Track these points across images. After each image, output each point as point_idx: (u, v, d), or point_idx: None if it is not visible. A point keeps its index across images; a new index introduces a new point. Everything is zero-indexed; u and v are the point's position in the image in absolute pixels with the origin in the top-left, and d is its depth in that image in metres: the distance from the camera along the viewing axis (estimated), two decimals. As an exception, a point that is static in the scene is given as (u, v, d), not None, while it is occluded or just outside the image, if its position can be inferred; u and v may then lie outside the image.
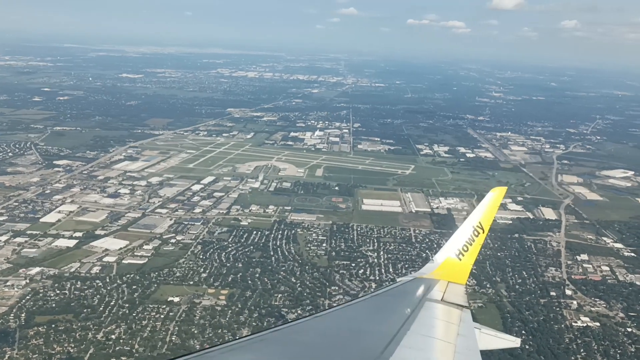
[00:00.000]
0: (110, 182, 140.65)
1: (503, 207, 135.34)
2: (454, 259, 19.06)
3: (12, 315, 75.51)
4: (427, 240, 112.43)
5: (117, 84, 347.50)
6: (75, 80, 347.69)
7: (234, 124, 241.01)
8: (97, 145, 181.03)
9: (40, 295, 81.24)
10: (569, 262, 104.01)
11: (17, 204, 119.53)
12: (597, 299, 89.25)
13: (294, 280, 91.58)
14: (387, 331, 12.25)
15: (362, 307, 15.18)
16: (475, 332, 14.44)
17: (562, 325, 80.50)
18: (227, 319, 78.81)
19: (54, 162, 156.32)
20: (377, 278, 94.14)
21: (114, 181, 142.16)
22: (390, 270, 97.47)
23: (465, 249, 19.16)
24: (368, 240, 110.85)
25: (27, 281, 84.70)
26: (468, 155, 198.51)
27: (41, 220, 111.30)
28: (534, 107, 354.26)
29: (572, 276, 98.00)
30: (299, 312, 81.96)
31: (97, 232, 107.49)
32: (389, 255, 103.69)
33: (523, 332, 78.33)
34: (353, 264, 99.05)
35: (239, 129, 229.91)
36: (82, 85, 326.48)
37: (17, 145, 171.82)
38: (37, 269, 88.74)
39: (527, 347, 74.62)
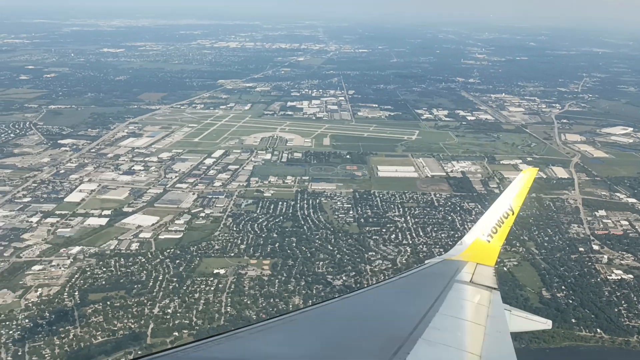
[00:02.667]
0: (121, 160, 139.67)
1: (515, 167, 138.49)
2: (483, 240, 18.64)
3: (65, 294, 76.08)
4: (450, 203, 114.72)
5: (100, 59, 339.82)
6: (57, 56, 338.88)
7: (228, 95, 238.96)
8: (97, 123, 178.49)
9: (88, 273, 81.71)
10: (589, 219, 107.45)
11: (35, 184, 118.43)
12: (624, 252, 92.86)
13: (331, 248, 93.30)
14: (416, 312, 12.18)
15: (390, 288, 15.11)
16: (506, 314, 14.18)
17: (598, 279, 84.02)
18: (276, 288, 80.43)
19: (59, 141, 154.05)
20: (410, 242, 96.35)
21: (125, 158, 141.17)
22: (421, 234, 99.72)
23: (495, 230, 18.76)
24: (392, 206, 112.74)
25: (71, 260, 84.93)
26: (468, 118, 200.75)
27: (65, 200, 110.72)
28: (520, 67, 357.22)
29: (596, 231, 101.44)
30: (343, 278, 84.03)
31: (125, 209, 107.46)
32: (416, 220, 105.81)
33: (563, 287, 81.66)
34: (383, 230, 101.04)
35: (235, 100, 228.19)
36: (65, 61, 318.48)
37: (16, 126, 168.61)
38: (78, 248, 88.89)
39: (570, 301, 77.98)
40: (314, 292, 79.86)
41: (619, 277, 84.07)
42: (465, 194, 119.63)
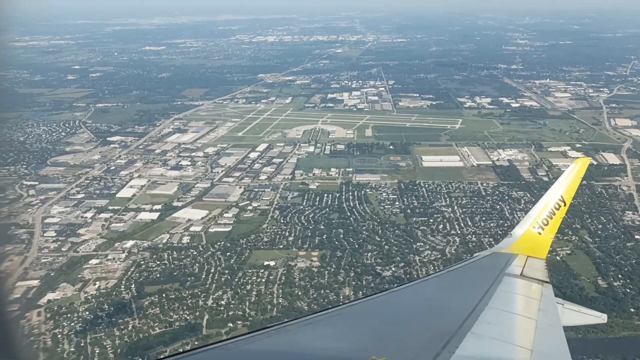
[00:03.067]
0: (168, 155, 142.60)
1: (564, 154, 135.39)
2: (534, 233, 18.23)
3: (122, 287, 78.47)
4: (497, 192, 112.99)
5: (142, 57, 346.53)
6: (102, 56, 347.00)
7: (269, 89, 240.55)
8: (143, 120, 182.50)
9: (143, 266, 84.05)
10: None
11: (88, 181, 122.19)
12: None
13: (378, 239, 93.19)
14: (465, 306, 12.04)
15: (439, 282, 15.07)
16: (558, 307, 13.83)
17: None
18: (325, 279, 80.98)
19: (108, 138, 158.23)
20: (459, 232, 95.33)
21: (172, 154, 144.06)
22: (469, 223, 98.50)
23: (546, 222, 18.29)
24: (439, 196, 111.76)
25: (126, 254, 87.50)
26: (513, 105, 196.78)
27: (117, 195, 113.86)
28: (564, 52, 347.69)
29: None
30: (392, 269, 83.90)
31: (174, 203, 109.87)
32: (464, 210, 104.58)
33: (619, 276, 79.55)
34: (431, 220, 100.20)
35: (276, 94, 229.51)
36: (109, 61, 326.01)
37: (66, 125, 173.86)
38: (131, 242, 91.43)
39: (628, 290, 76.07)
40: (364, 283, 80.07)
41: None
42: (513, 183, 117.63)
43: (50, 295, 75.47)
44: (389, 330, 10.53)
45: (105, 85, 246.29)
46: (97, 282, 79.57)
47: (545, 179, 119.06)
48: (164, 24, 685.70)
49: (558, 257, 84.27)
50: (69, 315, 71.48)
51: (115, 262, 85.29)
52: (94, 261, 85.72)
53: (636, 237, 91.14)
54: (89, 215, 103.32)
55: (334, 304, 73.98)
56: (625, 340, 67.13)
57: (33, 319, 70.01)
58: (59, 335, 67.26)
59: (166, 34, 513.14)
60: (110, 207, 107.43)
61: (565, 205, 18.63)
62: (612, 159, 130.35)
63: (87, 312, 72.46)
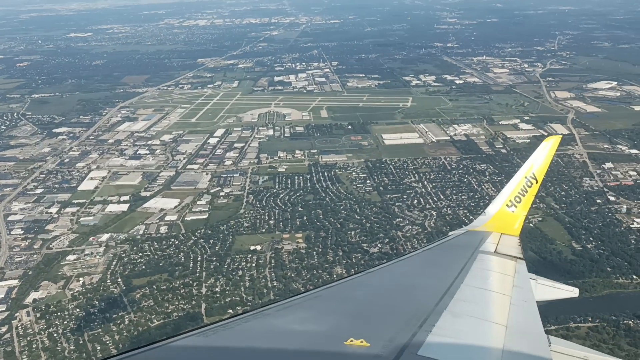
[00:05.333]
0: (123, 145, 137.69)
1: (515, 127, 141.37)
2: (507, 210, 18.70)
3: (109, 281, 75.97)
4: (462, 166, 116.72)
5: (69, 44, 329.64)
6: (25, 44, 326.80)
7: (212, 74, 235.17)
8: (87, 109, 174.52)
9: (125, 259, 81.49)
10: (598, 171, 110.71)
11: (43, 175, 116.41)
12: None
13: (358, 217, 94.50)
14: (440, 284, 12.19)
15: (414, 261, 15.14)
16: (531, 283, 14.11)
17: (622, 229, 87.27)
18: (315, 260, 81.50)
19: (53, 130, 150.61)
20: (434, 205, 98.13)
21: (127, 143, 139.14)
22: (441, 197, 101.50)
23: (518, 200, 18.80)
24: (407, 172, 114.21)
25: (104, 248, 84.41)
26: (457, 82, 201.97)
27: (79, 188, 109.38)
28: (493, 29, 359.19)
29: (608, 183, 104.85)
30: (378, 245, 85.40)
31: (142, 193, 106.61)
32: (434, 184, 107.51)
33: (590, 238, 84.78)
34: (404, 196, 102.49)
35: (220, 78, 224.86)
36: (34, 49, 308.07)
37: (4, 117, 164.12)
38: (107, 235, 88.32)
39: (601, 251, 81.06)
40: (354, 260, 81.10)
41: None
42: (474, 156, 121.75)
43: (34, 295, 72.14)
44: (367, 311, 10.60)
45: (36, 75, 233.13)
46: (81, 278, 76.58)
47: (504, 151, 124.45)
48: (84, 10, 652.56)
49: (532, 225, 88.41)
50: (59, 313, 68.75)
51: (95, 256, 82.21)
52: (71, 257, 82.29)
53: (597, 201, 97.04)
54: (53, 210, 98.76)
55: (307, 290, 74.68)
56: (607, 297, 71.73)
57: (23, 319, 66.76)
58: (55, 335, 64.55)
59: (89, 20, 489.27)
60: (75, 201, 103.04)
61: (537, 182, 19.25)
62: (560, 129, 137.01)
63: (77, 310, 69.78)
